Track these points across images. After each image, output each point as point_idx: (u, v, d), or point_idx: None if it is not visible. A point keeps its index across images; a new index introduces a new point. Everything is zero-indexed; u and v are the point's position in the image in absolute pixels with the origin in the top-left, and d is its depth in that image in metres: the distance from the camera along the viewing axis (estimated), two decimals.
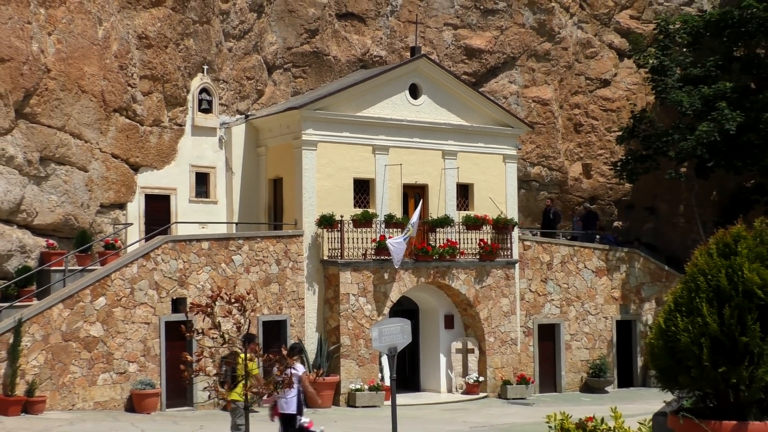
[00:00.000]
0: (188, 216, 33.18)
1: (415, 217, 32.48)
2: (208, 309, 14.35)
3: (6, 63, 27.64)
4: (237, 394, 18.07)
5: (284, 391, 17.95)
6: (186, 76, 33.53)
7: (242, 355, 16.78)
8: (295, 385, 18.79)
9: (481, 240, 35.28)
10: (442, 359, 35.31)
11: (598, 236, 40.57)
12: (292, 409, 19.45)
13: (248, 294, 18.20)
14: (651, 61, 40.37)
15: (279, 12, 36.14)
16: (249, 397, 16.56)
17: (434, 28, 39.29)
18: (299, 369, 19.42)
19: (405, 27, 38.51)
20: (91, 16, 30.45)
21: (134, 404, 28.21)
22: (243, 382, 16.96)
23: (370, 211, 33.48)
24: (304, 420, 19.80)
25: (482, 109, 36.46)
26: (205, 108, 34.16)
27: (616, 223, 42.28)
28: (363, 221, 32.88)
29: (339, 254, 32.49)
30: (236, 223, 34.07)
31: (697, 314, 7.13)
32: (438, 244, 34.33)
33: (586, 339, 38.50)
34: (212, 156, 34.41)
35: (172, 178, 33.49)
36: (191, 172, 33.94)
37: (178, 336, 26.57)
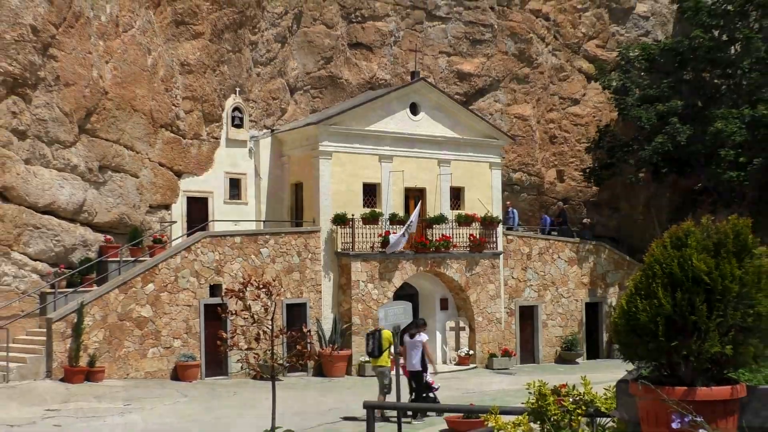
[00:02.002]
0: (223, 215, 33.27)
1: (414, 216, 32.62)
2: (240, 293, 14.47)
3: (71, 87, 27.79)
4: (383, 361, 21.97)
5: (412, 354, 22.11)
6: (221, 97, 33.61)
7: (386, 331, 21.41)
8: (420, 349, 22.23)
9: (471, 235, 35.46)
10: (438, 336, 35.41)
11: (575, 232, 40.74)
12: (418, 367, 22.21)
13: (274, 281, 18.39)
14: (614, 83, 40.68)
15: (299, 42, 36.27)
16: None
17: (431, 55, 39.40)
18: (423, 337, 22.48)
19: (406, 55, 38.59)
20: (142, 47, 30.57)
21: (178, 374, 28.29)
22: (387, 351, 21.54)
23: (377, 210, 33.55)
24: (429, 376, 22.63)
25: (471, 123, 36.55)
26: (237, 124, 34.24)
27: (585, 219, 42.33)
28: (371, 219, 32.97)
29: (350, 247, 32.56)
30: (264, 221, 34.14)
31: (654, 297, 7.16)
32: (434, 238, 34.46)
33: (559, 318, 38.58)
34: (243, 164, 34.49)
35: (210, 183, 33.59)
36: (225, 178, 34.00)
37: (215, 316, 26.86)
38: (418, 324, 22.69)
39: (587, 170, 42.15)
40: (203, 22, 32.54)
